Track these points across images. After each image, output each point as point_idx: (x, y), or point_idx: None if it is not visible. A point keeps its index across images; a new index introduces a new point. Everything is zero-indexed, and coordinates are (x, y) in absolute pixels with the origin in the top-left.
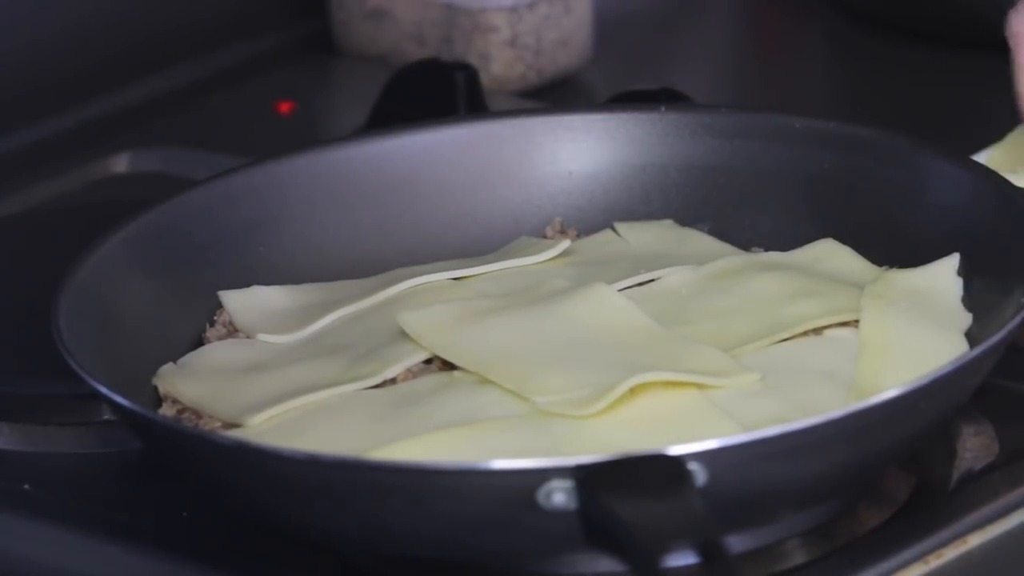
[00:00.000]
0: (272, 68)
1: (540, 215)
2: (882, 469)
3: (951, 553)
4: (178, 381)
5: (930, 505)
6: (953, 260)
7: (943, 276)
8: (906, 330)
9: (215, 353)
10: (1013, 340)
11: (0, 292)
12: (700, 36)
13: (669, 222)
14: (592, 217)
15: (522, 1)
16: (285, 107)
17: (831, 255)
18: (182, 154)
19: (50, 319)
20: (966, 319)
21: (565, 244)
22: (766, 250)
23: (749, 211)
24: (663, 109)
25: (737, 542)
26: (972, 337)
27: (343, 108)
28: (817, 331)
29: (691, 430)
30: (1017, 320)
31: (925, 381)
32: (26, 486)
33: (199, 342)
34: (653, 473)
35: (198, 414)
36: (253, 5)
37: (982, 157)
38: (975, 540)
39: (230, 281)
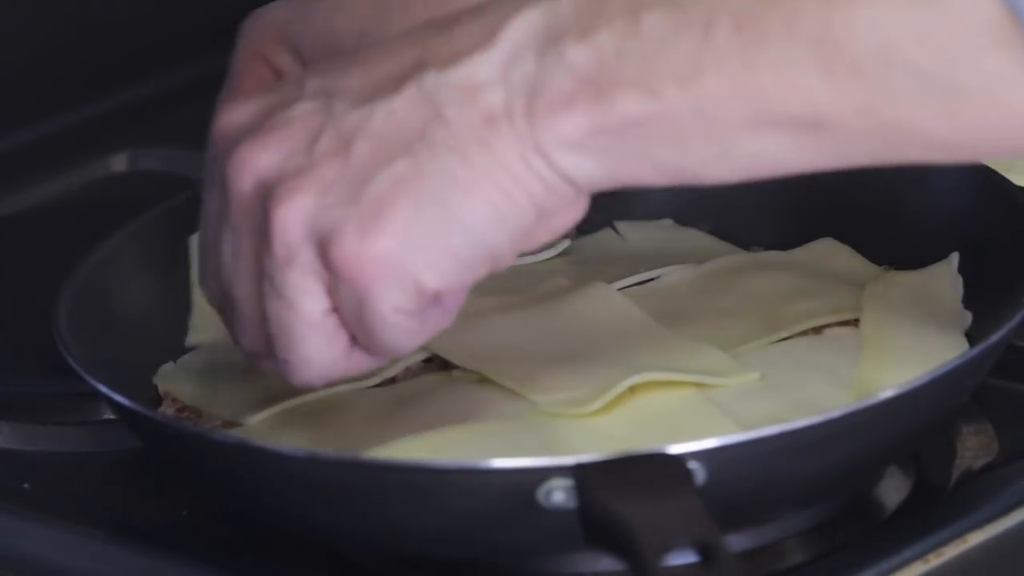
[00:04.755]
0: None
1: None
2: (882, 468)
3: (951, 552)
4: (178, 380)
5: (930, 504)
6: (953, 259)
7: (943, 275)
8: (906, 329)
9: (215, 352)
10: (1012, 339)
11: (0, 291)
12: None
13: (669, 221)
14: (592, 216)
15: None
16: None
17: (831, 254)
18: (182, 154)
19: (50, 318)
20: (966, 318)
21: (565, 243)
22: (766, 249)
23: (749, 210)
24: None
25: (737, 541)
26: (972, 337)
27: None
28: (817, 330)
29: (691, 429)
30: (1017, 320)
31: (925, 380)
32: (26, 485)
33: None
34: (653, 472)
35: (198, 413)
36: (253, 5)
37: None
38: (975, 539)
39: None
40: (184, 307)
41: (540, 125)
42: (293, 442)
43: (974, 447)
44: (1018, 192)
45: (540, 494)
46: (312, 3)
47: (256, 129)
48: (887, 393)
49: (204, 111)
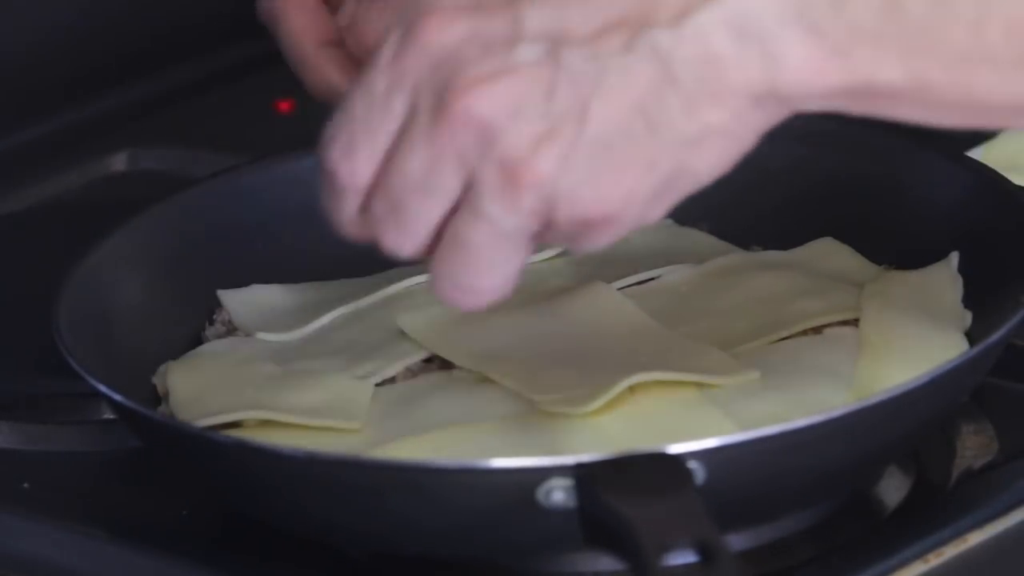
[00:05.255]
0: (272, 67)
1: None
2: (882, 467)
3: (951, 551)
4: (177, 379)
5: (930, 503)
6: (953, 259)
7: (942, 275)
8: (906, 328)
9: (214, 352)
10: (1012, 339)
11: (0, 291)
12: None
13: (669, 221)
14: None
15: None
16: (285, 106)
17: (830, 254)
18: (181, 153)
19: (50, 318)
20: (966, 318)
21: None
22: (766, 249)
23: (749, 210)
24: None
25: (737, 540)
26: (972, 336)
27: None
28: (817, 329)
29: (690, 428)
30: (1016, 319)
31: (925, 379)
32: (26, 485)
33: (198, 341)
34: (652, 472)
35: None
36: (253, 4)
37: (976, 154)
38: (975, 538)
39: (229, 280)
40: (183, 306)
41: (785, 84)
42: (293, 442)
43: (974, 447)
44: (1017, 192)
45: (540, 494)
46: None
47: (482, 68)
48: (887, 393)
49: (204, 111)
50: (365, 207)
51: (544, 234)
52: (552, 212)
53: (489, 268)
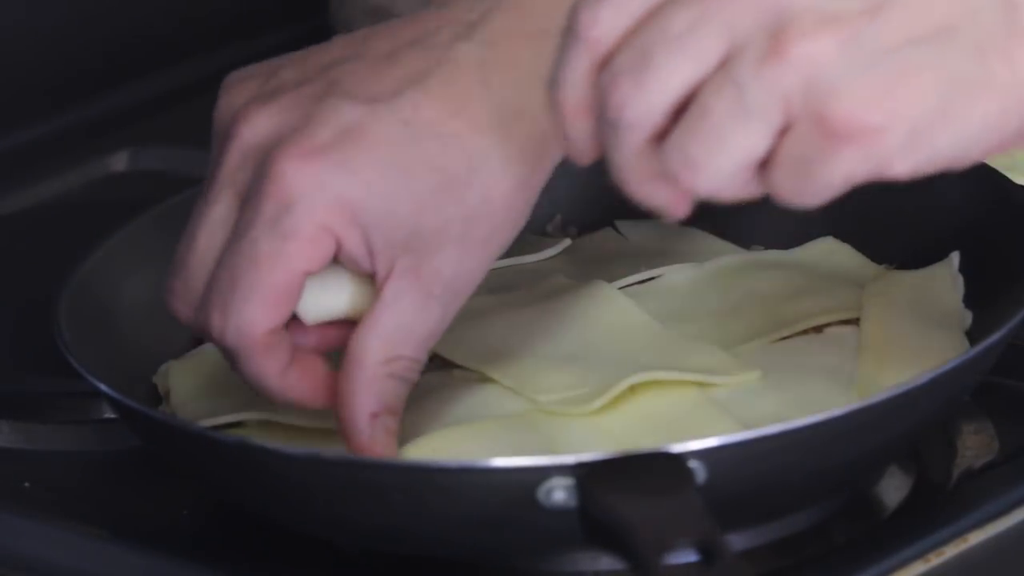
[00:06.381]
0: None
1: (541, 212)
2: (882, 467)
3: (951, 551)
4: (178, 379)
5: (930, 503)
6: (953, 259)
7: (943, 275)
8: (906, 328)
9: (214, 351)
10: (1012, 339)
11: (0, 290)
12: None
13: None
14: (593, 215)
15: None
16: None
17: (831, 253)
18: (182, 153)
19: (50, 317)
20: (966, 317)
21: (566, 243)
22: (766, 248)
23: (749, 210)
24: None
25: (737, 540)
26: (972, 335)
27: None
28: (817, 329)
29: (691, 428)
30: (1017, 319)
31: (925, 379)
32: (26, 484)
33: (199, 340)
34: (653, 471)
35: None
36: (253, 4)
37: None
38: (975, 538)
39: None
40: None
41: None
42: (293, 442)
43: (974, 446)
44: (1018, 191)
45: (540, 493)
46: (394, 191)
47: None
48: (888, 392)
49: (204, 111)
50: (603, 66)
51: (779, 150)
52: (805, 105)
53: (720, 143)
